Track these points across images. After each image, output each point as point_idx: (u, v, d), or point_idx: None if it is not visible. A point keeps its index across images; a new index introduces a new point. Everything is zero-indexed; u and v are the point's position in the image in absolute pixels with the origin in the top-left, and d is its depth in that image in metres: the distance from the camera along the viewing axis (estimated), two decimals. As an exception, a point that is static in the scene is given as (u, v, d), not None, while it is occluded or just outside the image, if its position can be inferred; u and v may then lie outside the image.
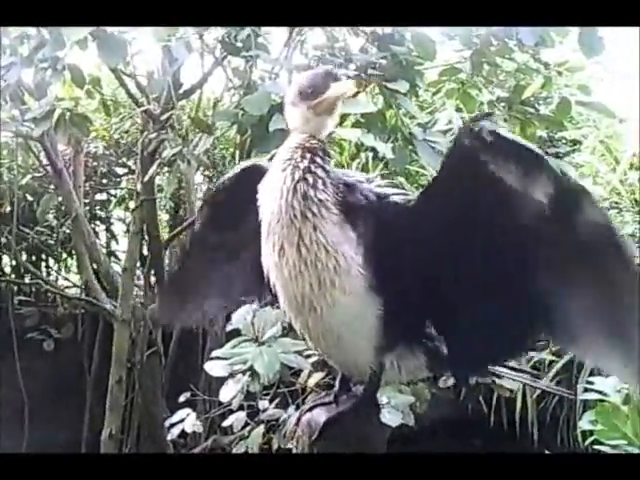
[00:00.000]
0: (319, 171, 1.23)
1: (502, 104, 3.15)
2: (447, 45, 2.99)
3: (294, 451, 1.33)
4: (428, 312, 1.26)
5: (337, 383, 1.39)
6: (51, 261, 4.94)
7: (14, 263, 4.60)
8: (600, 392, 1.85)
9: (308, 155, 1.24)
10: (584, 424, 1.82)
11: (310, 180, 1.22)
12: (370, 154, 3.49)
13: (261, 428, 2.72)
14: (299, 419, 1.35)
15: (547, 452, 1.83)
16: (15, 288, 4.60)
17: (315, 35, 3.04)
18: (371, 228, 1.23)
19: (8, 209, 4.37)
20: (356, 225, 1.23)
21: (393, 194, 1.29)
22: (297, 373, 2.85)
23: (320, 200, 1.22)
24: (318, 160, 1.24)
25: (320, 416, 1.32)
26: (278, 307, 2.43)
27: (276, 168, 1.26)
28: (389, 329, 1.24)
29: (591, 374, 3.44)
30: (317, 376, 2.83)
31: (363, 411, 1.32)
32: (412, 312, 1.24)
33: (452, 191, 1.20)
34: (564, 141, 5.25)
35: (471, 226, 1.18)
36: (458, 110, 3.43)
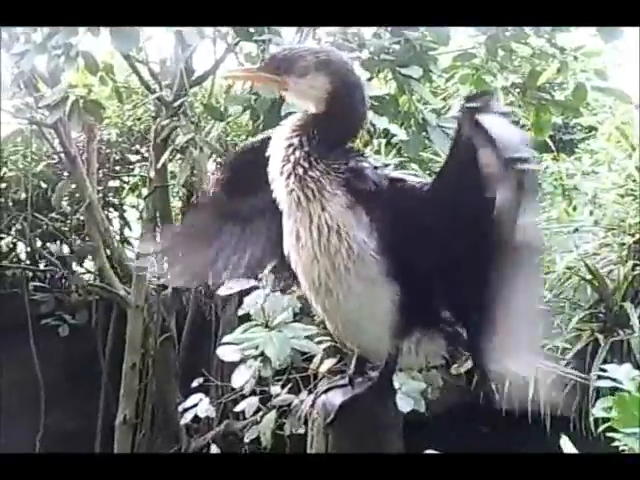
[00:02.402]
0: (297, 152, 1.24)
1: (517, 90, 3.12)
2: (461, 30, 2.96)
3: (309, 433, 1.34)
4: (445, 298, 1.25)
5: (352, 366, 1.39)
6: (65, 248, 4.97)
7: (29, 249, 4.64)
8: (614, 380, 1.84)
9: (287, 134, 1.26)
10: (597, 411, 1.81)
11: (292, 159, 1.24)
12: (383, 140, 3.47)
13: (273, 413, 2.74)
14: (314, 401, 1.35)
15: (562, 437, 1.82)
16: (30, 274, 4.64)
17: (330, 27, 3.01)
18: (385, 213, 1.23)
19: (23, 196, 4.40)
20: (370, 210, 1.23)
21: (408, 179, 1.28)
22: (309, 359, 2.86)
23: (312, 177, 1.22)
24: (294, 140, 1.24)
25: (335, 398, 1.32)
26: (289, 293, 2.46)
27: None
28: (406, 315, 1.24)
29: (604, 362, 3.43)
30: (329, 362, 2.84)
31: (379, 394, 1.33)
32: (429, 298, 1.24)
33: (458, 176, 1.19)
34: (579, 127, 5.20)
35: (477, 212, 1.16)
36: (466, 99, 3.39)
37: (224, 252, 1.48)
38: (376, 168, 1.28)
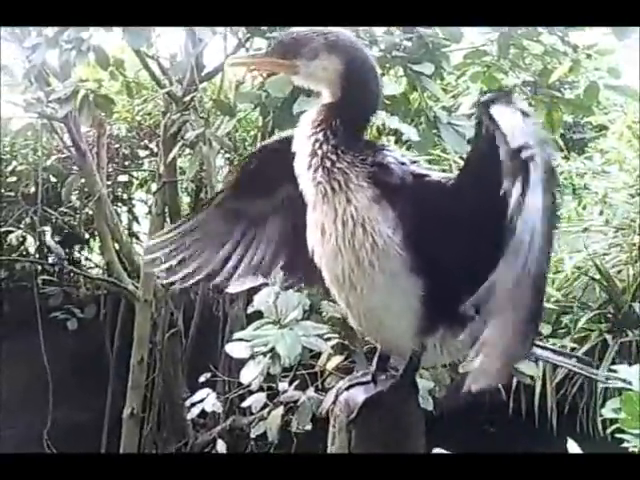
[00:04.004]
0: (324, 146, 1.23)
1: (528, 88, 3.10)
2: (473, 27, 2.94)
3: (330, 430, 1.32)
4: (471, 294, 1.23)
5: (374, 363, 1.37)
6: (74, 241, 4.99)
7: (38, 243, 4.66)
8: (623, 380, 1.83)
9: (311, 129, 1.25)
10: (607, 412, 1.79)
11: (319, 153, 1.23)
12: (392, 138, 3.46)
13: (280, 409, 2.73)
14: (336, 397, 1.34)
15: (569, 440, 1.81)
16: (39, 268, 4.67)
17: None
18: (411, 208, 1.22)
19: (32, 190, 4.42)
20: (395, 204, 1.22)
21: (432, 174, 1.27)
22: (317, 355, 2.86)
23: (340, 169, 1.22)
24: (319, 135, 1.23)
25: (358, 395, 1.30)
26: (300, 290, 2.45)
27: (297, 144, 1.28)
28: (431, 311, 1.22)
29: (613, 362, 3.41)
30: (336, 359, 2.85)
31: (402, 391, 1.31)
32: (454, 294, 1.20)
33: (481, 169, 1.17)
34: (590, 126, 5.17)
35: (499, 206, 1.12)
36: (482, 94, 3.38)
37: (235, 252, 1.48)
38: (403, 164, 1.26)
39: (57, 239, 4.66)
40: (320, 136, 1.23)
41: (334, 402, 1.33)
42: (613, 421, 1.81)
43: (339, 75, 1.25)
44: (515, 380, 3.51)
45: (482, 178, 1.16)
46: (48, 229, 4.52)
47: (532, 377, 3.00)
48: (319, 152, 1.23)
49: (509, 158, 1.06)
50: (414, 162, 1.30)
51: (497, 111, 1.11)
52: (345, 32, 1.31)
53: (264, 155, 1.45)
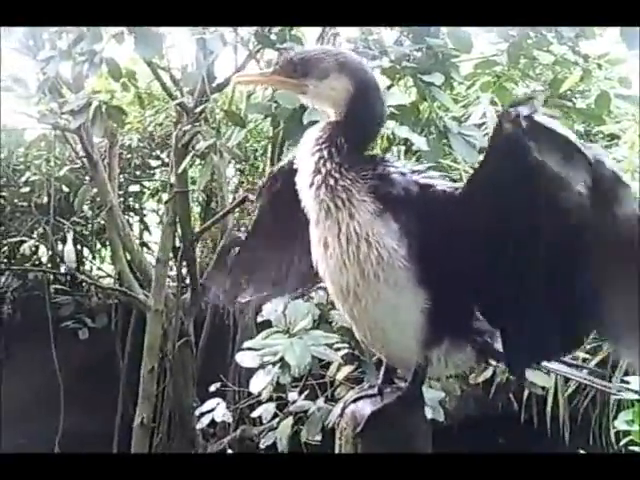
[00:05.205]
0: (328, 164, 1.23)
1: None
2: (483, 37, 2.95)
3: (337, 443, 1.32)
4: (478, 305, 1.23)
5: (381, 375, 1.38)
6: (86, 251, 5.03)
7: (51, 253, 4.70)
8: (636, 392, 1.81)
9: (315, 146, 1.25)
10: (620, 424, 1.78)
11: (322, 170, 1.23)
12: (402, 147, 3.46)
13: (290, 420, 2.73)
14: (343, 411, 1.34)
15: (581, 451, 1.80)
16: (51, 277, 4.70)
17: (349, 27, 3.02)
18: (414, 219, 1.22)
19: (45, 200, 4.46)
20: (398, 216, 1.22)
21: (438, 184, 1.27)
22: (326, 365, 2.86)
23: (343, 186, 1.22)
24: (324, 152, 1.24)
25: (365, 408, 1.30)
26: (309, 300, 2.45)
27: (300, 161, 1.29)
28: (435, 323, 1.22)
29: (626, 373, 3.37)
30: (346, 369, 2.84)
31: (408, 404, 1.31)
32: (460, 306, 1.22)
33: (498, 178, 1.16)
34: (601, 135, 5.14)
35: (518, 215, 1.13)
36: (492, 104, 3.38)
37: (278, 272, 1.53)
38: (404, 174, 1.27)
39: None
40: (325, 153, 1.24)
41: (341, 415, 1.33)
42: (626, 433, 1.80)
43: (347, 95, 1.26)
44: (527, 391, 3.48)
45: (498, 188, 1.15)
46: (69, 236, 4.56)
47: (543, 388, 2.98)
48: (323, 170, 1.23)
49: (592, 172, 1.06)
50: (415, 172, 1.29)
51: (545, 121, 1.10)
52: (352, 53, 1.34)
53: (287, 172, 1.44)
